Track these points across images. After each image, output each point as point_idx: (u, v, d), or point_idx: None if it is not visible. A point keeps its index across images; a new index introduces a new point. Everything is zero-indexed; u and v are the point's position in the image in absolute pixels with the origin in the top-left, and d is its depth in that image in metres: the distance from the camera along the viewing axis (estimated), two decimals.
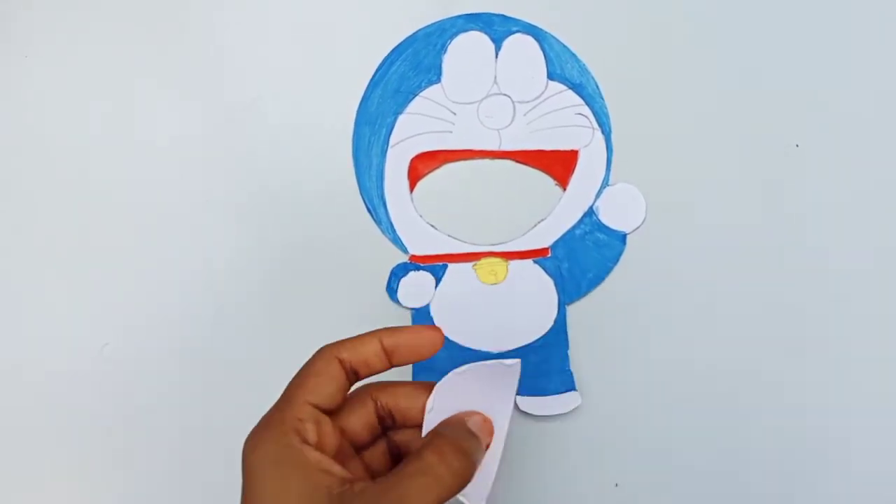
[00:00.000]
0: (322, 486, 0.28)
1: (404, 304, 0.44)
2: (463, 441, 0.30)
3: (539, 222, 0.45)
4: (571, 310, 0.45)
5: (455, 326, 0.44)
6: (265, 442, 0.29)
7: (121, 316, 0.45)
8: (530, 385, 0.44)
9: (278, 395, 0.33)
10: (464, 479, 0.29)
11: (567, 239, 0.45)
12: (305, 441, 0.29)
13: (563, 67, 0.45)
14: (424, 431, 0.31)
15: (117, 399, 0.44)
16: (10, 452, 0.44)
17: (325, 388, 0.31)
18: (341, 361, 0.31)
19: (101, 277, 0.45)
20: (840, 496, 0.44)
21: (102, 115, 0.45)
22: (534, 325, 0.44)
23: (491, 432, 0.32)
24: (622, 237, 0.45)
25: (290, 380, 0.31)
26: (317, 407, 0.30)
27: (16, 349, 0.45)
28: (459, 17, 0.45)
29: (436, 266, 0.45)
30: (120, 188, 0.45)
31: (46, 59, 0.46)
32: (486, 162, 0.45)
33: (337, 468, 0.29)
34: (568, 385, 0.44)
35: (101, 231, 0.45)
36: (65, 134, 0.45)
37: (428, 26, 0.45)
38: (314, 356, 0.32)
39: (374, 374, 0.32)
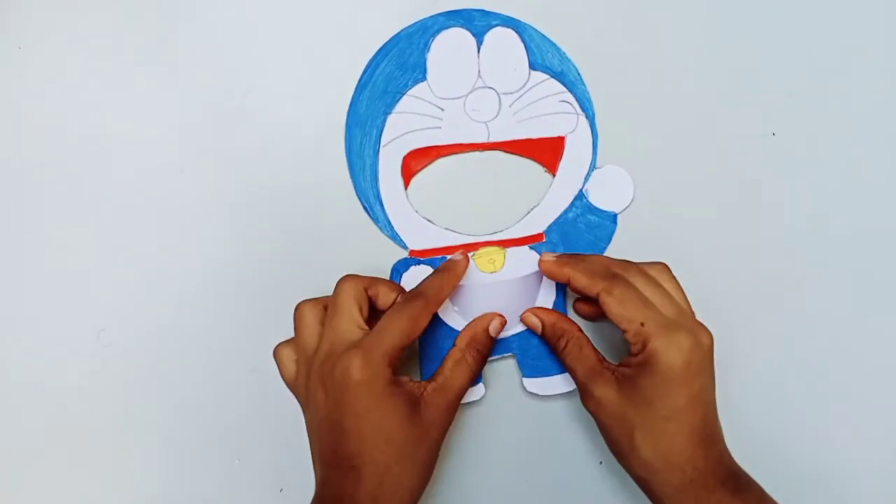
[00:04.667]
0: (411, 394, 0.39)
1: None
2: (482, 345, 0.43)
3: (532, 209, 0.46)
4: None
5: (458, 316, 0.45)
6: (374, 370, 0.37)
7: (117, 302, 0.46)
8: (534, 367, 0.46)
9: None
10: (480, 364, 0.43)
11: (560, 223, 0.46)
12: (395, 373, 0.39)
13: (544, 57, 0.46)
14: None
15: (113, 384, 0.45)
16: (6, 437, 0.45)
17: (417, 336, 0.40)
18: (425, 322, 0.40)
19: (98, 264, 0.46)
20: (826, 482, 0.46)
21: (96, 108, 0.46)
22: None
23: (503, 324, 0.44)
24: (613, 217, 0.47)
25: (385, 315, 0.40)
26: (404, 349, 0.39)
27: (13, 334, 0.45)
28: (440, 14, 0.46)
29: (435, 259, 0.46)
30: (115, 179, 0.46)
31: (40, 51, 0.46)
32: (476, 154, 0.46)
33: (412, 383, 0.40)
34: None
35: (97, 219, 0.46)
36: (59, 125, 0.46)
37: (410, 26, 0.46)
38: (416, 308, 0.40)
39: None
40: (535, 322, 0.44)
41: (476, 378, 0.43)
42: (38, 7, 0.46)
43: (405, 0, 0.46)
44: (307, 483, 0.40)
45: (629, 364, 0.39)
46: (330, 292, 0.45)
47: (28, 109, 0.46)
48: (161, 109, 0.46)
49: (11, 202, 0.46)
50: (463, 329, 0.44)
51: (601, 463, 0.46)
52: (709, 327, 0.42)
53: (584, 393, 0.41)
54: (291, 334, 0.42)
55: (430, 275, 0.43)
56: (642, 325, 0.38)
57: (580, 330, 0.43)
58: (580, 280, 0.41)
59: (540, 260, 0.43)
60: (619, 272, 0.41)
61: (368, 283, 0.41)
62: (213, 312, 0.46)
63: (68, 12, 0.46)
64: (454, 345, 0.43)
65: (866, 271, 0.47)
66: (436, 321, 0.45)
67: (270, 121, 0.46)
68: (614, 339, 0.46)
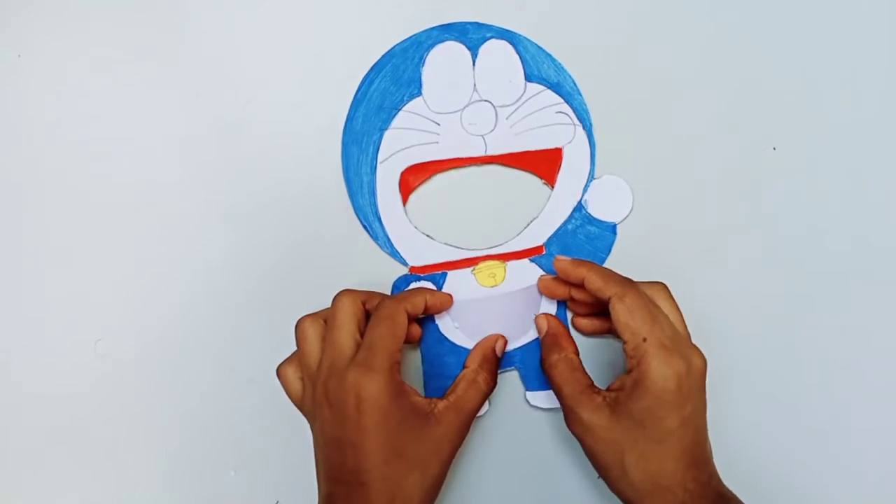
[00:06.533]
0: (420, 409, 0.39)
1: None
2: (493, 365, 0.43)
3: (531, 222, 0.46)
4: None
5: (459, 332, 0.45)
6: (377, 382, 0.37)
7: (114, 312, 0.46)
8: (537, 380, 0.46)
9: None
10: (491, 385, 0.42)
11: (560, 235, 0.46)
12: (402, 377, 0.39)
13: (540, 68, 0.46)
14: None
15: (110, 395, 0.45)
16: (4, 445, 0.45)
17: (403, 334, 0.39)
18: (407, 312, 0.40)
19: (95, 273, 0.46)
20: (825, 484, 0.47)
21: (95, 117, 0.46)
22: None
23: (505, 343, 0.45)
24: (612, 228, 0.47)
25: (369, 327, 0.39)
26: (398, 350, 0.39)
27: (10, 343, 0.45)
28: (434, 28, 0.46)
29: (436, 275, 0.46)
30: (113, 187, 0.46)
31: (40, 59, 0.46)
32: (474, 168, 0.46)
33: (421, 398, 0.39)
34: None
35: (95, 228, 0.46)
36: (57, 135, 0.46)
37: (404, 41, 0.46)
38: (388, 307, 0.39)
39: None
40: (543, 325, 0.44)
41: (487, 398, 0.42)
42: (38, 15, 0.46)
43: (406, 12, 0.46)
44: (303, 495, 0.40)
45: (622, 386, 0.39)
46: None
47: (27, 118, 0.46)
48: (160, 120, 0.46)
49: (10, 210, 0.46)
50: (473, 349, 0.44)
51: None
52: (706, 338, 0.42)
53: (570, 415, 0.40)
54: (289, 346, 0.42)
55: None
56: (644, 340, 0.38)
57: (577, 352, 0.43)
58: (595, 282, 0.40)
59: (554, 260, 0.43)
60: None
61: (366, 297, 0.41)
62: (210, 323, 0.46)
63: (68, 20, 0.46)
64: (465, 365, 0.43)
65: (867, 286, 0.47)
66: (437, 338, 0.45)
67: (268, 140, 0.46)
68: (608, 359, 0.46)
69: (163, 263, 0.46)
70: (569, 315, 0.46)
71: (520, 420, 0.46)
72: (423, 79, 0.46)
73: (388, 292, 0.45)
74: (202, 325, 0.46)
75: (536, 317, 0.45)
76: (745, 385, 0.47)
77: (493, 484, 0.46)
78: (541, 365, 0.43)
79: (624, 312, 0.39)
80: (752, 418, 0.46)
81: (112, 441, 0.45)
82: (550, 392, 0.45)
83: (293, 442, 0.44)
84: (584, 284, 0.41)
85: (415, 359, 0.46)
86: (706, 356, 0.40)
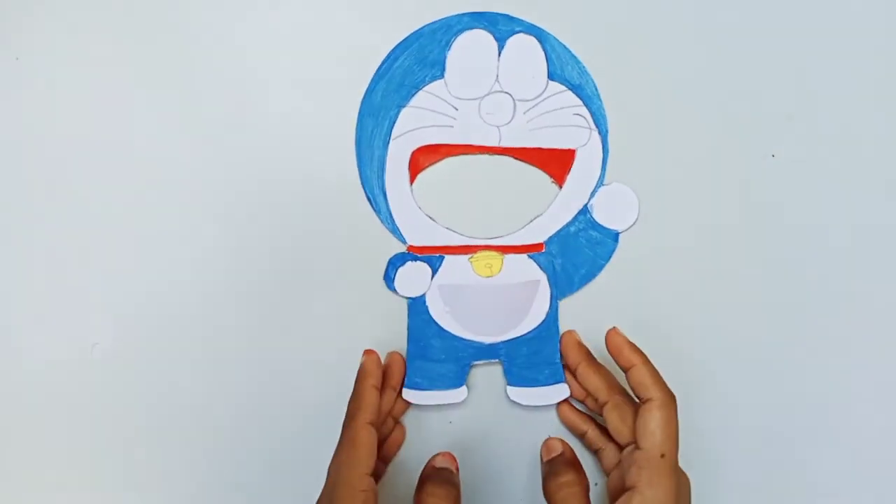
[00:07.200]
0: None
1: (401, 293, 0.45)
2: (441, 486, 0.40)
3: (535, 218, 0.46)
4: (562, 304, 0.46)
5: (449, 316, 0.45)
6: None
7: (110, 315, 0.45)
8: (521, 376, 0.45)
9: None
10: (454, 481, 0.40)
11: (561, 235, 0.46)
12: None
13: (564, 68, 0.46)
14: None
15: (106, 398, 0.45)
16: (2, 447, 0.45)
17: (372, 456, 0.38)
18: (372, 424, 0.39)
19: (91, 276, 0.45)
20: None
21: (95, 117, 0.46)
22: (526, 318, 0.45)
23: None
24: (615, 236, 0.46)
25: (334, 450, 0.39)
26: (370, 475, 0.38)
27: (5, 347, 0.45)
28: (465, 14, 0.46)
29: (433, 257, 0.46)
30: (113, 187, 0.46)
31: (38, 62, 0.46)
32: (486, 157, 0.46)
33: None
34: (557, 377, 0.45)
35: (94, 229, 0.46)
36: (57, 135, 0.46)
37: (434, 22, 0.46)
38: (354, 429, 0.39)
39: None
40: (556, 448, 0.42)
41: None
42: (36, 18, 0.46)
43: None
44: (303, 496, 0.40)
45: None
46: (326, 285, 0.46)
47: (27, 118, 0.46)
48: (161, 114, 0.46)
49: (9, 211, 0.46)
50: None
51: (595, 485, 0.45)
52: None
53: None
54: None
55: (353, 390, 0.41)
56: (662, 456, 0.37)
57: (588, 485, 0.40)
58: (643, 376, 0.39)
59: (612, 331, 0.41)
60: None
61: (373, 411, 0.40)
62: (209, 324, 0.45)
63: (67, 22, 0.46)
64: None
65: (873, 294, 0.47)
66: (426, 319, 0.45)
67: (284, 110, 0.46)
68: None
69: (161, 264, 0.46)
70: (564, 325, 0.46)
71: (499, 413, 0.45)
72: (448, 62, 0.46)
73: (382, 268, 0.45)
74: (201, 326, 0.45)
75: (548, 440, 0.43)
76: (747, 393, 0.46)
77: (469, 478, 0.45)
78: (543, 483, 0.41)
79: (658, 421, 0.38)
80: (754, 420, 0.46)
81: (110, 443, 0.45)
82: (532, 390, 0.45)
83: (293, 442, 0.44)
84: (630, 374, 0.40)
85: (401, 340, 0.45)
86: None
